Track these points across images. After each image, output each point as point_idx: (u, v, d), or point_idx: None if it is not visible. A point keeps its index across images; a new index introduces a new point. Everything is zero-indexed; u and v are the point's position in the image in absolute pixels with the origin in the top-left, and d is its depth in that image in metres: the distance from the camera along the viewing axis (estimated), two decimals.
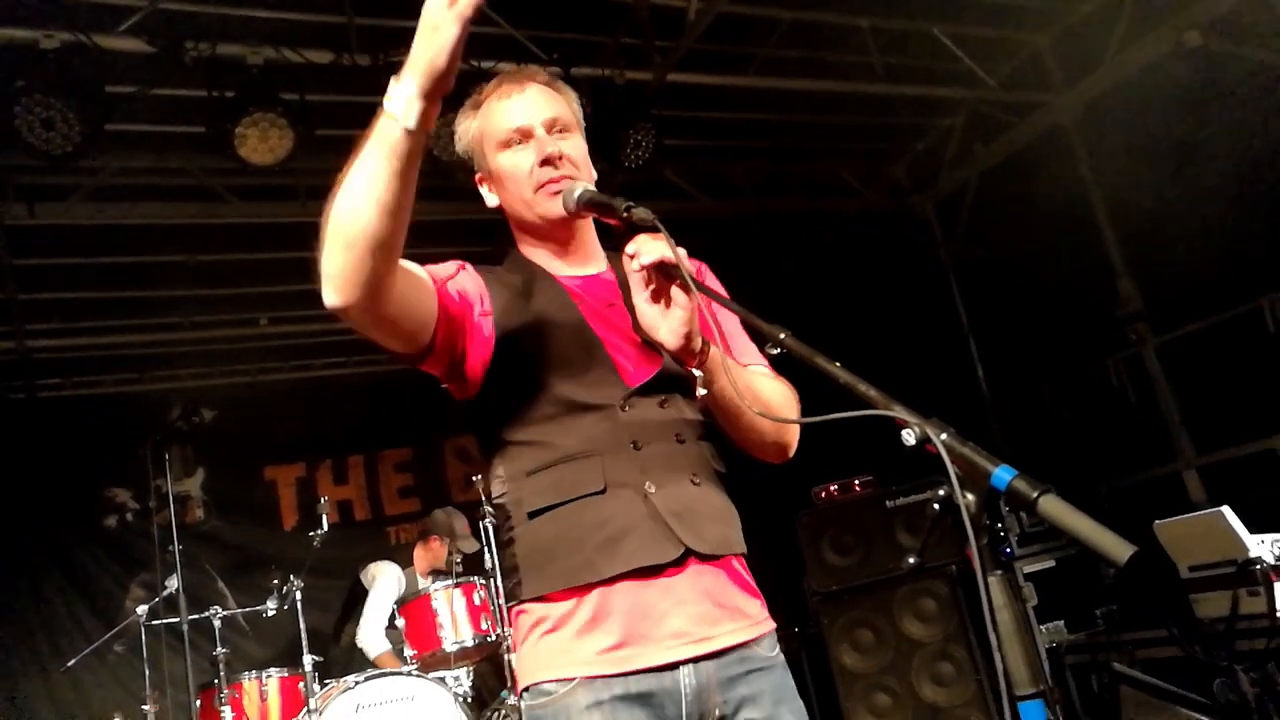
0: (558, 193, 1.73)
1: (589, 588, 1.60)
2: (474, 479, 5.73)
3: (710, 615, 1.62)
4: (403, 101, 1.36)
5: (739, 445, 1.78)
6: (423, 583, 5.91)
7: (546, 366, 1.68)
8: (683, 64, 5.39)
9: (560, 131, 1.78)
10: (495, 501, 1.74)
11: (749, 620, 1.68)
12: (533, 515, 1.65)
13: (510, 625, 1.77)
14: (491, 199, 1.85)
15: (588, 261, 1.85)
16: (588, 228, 1.85)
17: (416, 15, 4.92)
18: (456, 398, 1.80)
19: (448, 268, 1.76)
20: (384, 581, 5.83)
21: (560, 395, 1.67)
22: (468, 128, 1.86)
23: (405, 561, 6.07)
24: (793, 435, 1.82)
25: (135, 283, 6.61)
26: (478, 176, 1.88)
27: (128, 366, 7.63)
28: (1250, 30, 5.40)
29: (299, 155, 4.78)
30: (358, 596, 5.92)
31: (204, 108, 4.72)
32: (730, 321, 1.85)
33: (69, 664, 5.76)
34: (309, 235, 5.54)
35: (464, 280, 1.75)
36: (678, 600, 1.60)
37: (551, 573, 1.63)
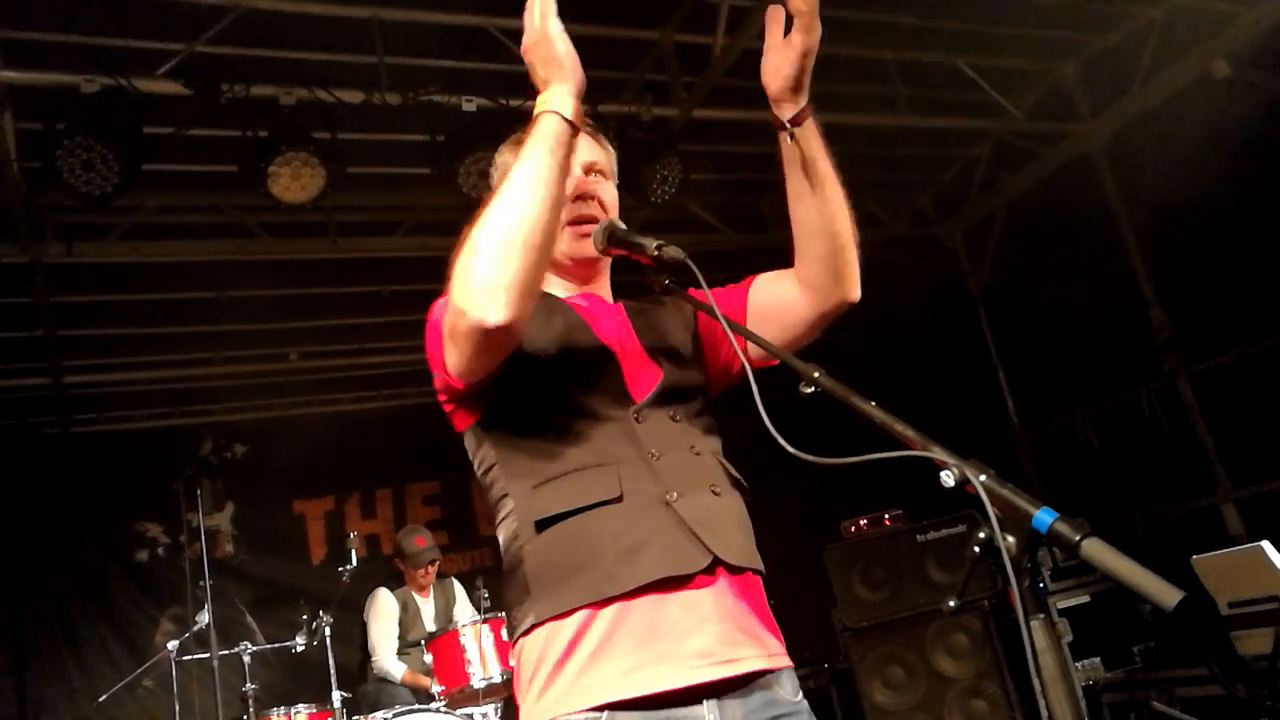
0: (586, 235, 1.75)
1: (606, 602, 1.50)
2: None
3: (734, 637, 1.54)
4: (560, 99, 1.54)
5: (800, 265, 1.78)
6: (420, 601, 5.97)
7: (558, 372, 1.65)
8: (708, 100, 5.42)
9: (596, 175, 1.81)
10: (500, 525, 1.65)
11: (768, 651, 1.60)
12: (541, 527, 1.56)
13: (517, 659, 1.63)
14: None
15: (602, 296, 1.87)
16: (605, 273, 1.88)
17: (444, 55, 4.97)
18: (460, 428, 1.74)
19: None
20: (376, 609, 5.89)
21: (572, 402, 1.63)
22: (506, 160, 1.84)
23: (399, 584, 6.09)
24: (853, 268, 1.78)
25: (168, 318, 6.71)
26: None
27: (160, 401, 7.72)
28: (1279, 60, 5.37)
29: (330, 192, 4.85)
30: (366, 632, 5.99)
31: (238, 147, 4.81)
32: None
33: (100, 699, 5.78)
34: (339, 271, 5.60)
35: None
36: (701, 618, 1.52)
37: (566, 590, 1.52)
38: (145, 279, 6.16)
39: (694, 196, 6.51)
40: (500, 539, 1.66)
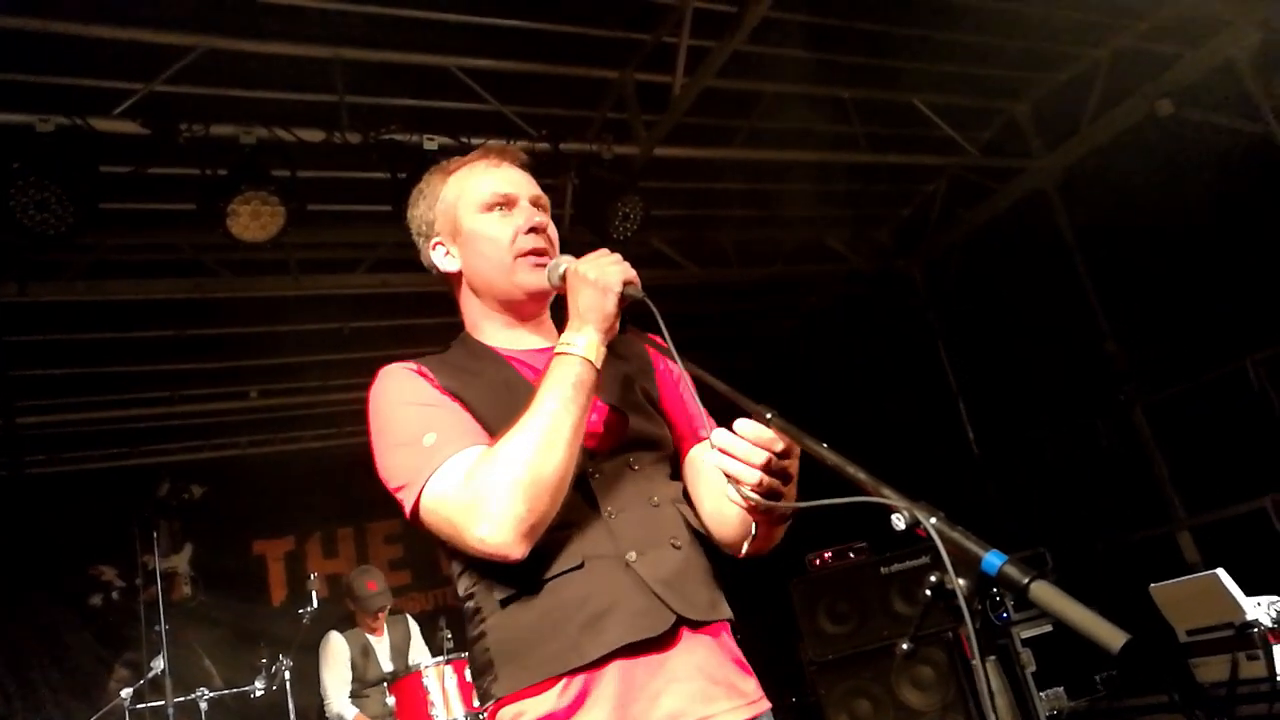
0: (541, 265, 1.71)
1: (575, 673, 1.49)
2: None
3: (707, 692, 1.53)
4: (590, 346, 1.55)
5: (718, 534, 1.69)
6: (374, 640, 5.90)
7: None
8: (669, 138, 5.48)
9: (541, 210, 1.78)
10: (463, 597, 1.63)
11: (745, 699, 1.58)
12: (506, 603, 1.54)
13: None
14: (450, 263, 1.78)
15: (543, 336, 1.80)
16: (547, 305, 1.82)
17: (405, 94, 4.93)
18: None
19: (433, 393, 1.65)
20: (328, 654, 5.80)
21: None
22: (436, 190, 1.80)
23: (350, 624, 6.01)
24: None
25: (126, 357, 6.61)
26: (434, 241, 1.80)
27: (116, 441, 7.59)
28: (1220, 99, 5.55)
29: (290, 230, 4.82)
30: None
31: (197, 185, 4.78)
32: (691, 387, 1.80)
33: None
34: (300, 308, 5.51)
35: (440, 392, 1.66)
36: (670, 678, 1.51)
37: (532, 662, 1.51)
38: (101, 317, 6.07)
39: (656, 232, 6.57)
40: (464, 605, 1.63)
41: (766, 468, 1.39)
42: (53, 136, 4.21)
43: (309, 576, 5.89)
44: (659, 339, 1.62)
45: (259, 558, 7.89)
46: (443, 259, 1.79)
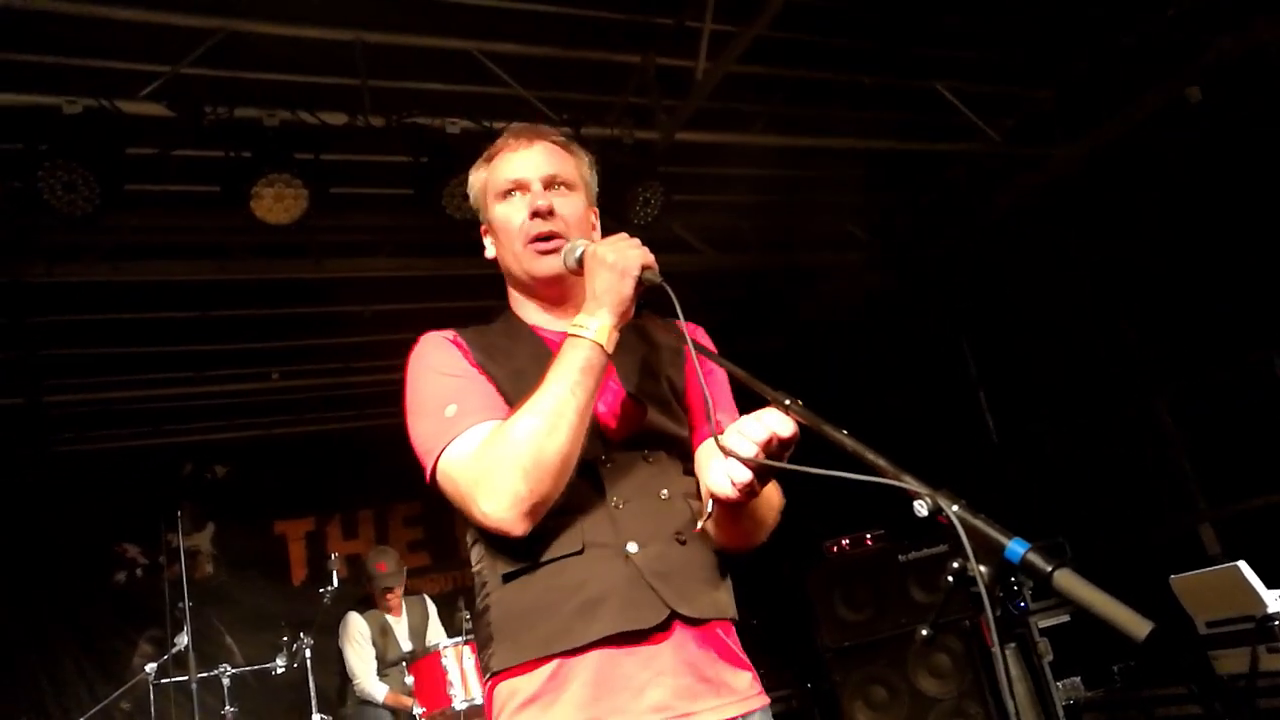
0: (546, 252, 1.72)
1: (565, 655, 1.52)
2: None
3: (693, 689, 1.53)
4: (602, 330, 1.55)
5: (724, 541, 1.68)
6: (393, 620, 5.96)
7: None
8: (690, 123, 5.46)
9: (559, 187, 1.77)
10: (473, 570, 1.68)
11: (736, 695, 1.59)
12: (507, 579, 1.59)
13: (487, 701, 1.66)
14: (490, 250, 1.87)
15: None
16: (580, 284, 1.75)
17: (428, 77, 4.93)
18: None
19: (462, 364, 1.70)
20: (349, 634, 5.88)
21: None
22: (476, 179, 1.88)
23: (369, 605, 6.07)
24: (768, 531, 1.73)
25: (150, 338, 6.67)
26: (482, 228, 1.88)
27: (141, 421, 7.67)
28: (1251, 86, 5.47)
29: (313, 214, 4.85)
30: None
31: (220, 168, 4.80)
32: (719, 383, 1.82)
33: None
34: (321, 291, 5.54)
35: (470, 364, 1.71)
36: (658, 671, 1.52)
37: (526, 641, 1.55)
38: (126, 298, 6.12)
39: (676, 218, 6.55)
40: (477, 574, 1.68)
41: (766, 446, 1.40)
42: (80, 118, 4.24)
43: (329, 557, 5.96)
44: (687, 328, 1.60)
45: (280, 537, 7.97)
46: (487, 246, 1.87)
